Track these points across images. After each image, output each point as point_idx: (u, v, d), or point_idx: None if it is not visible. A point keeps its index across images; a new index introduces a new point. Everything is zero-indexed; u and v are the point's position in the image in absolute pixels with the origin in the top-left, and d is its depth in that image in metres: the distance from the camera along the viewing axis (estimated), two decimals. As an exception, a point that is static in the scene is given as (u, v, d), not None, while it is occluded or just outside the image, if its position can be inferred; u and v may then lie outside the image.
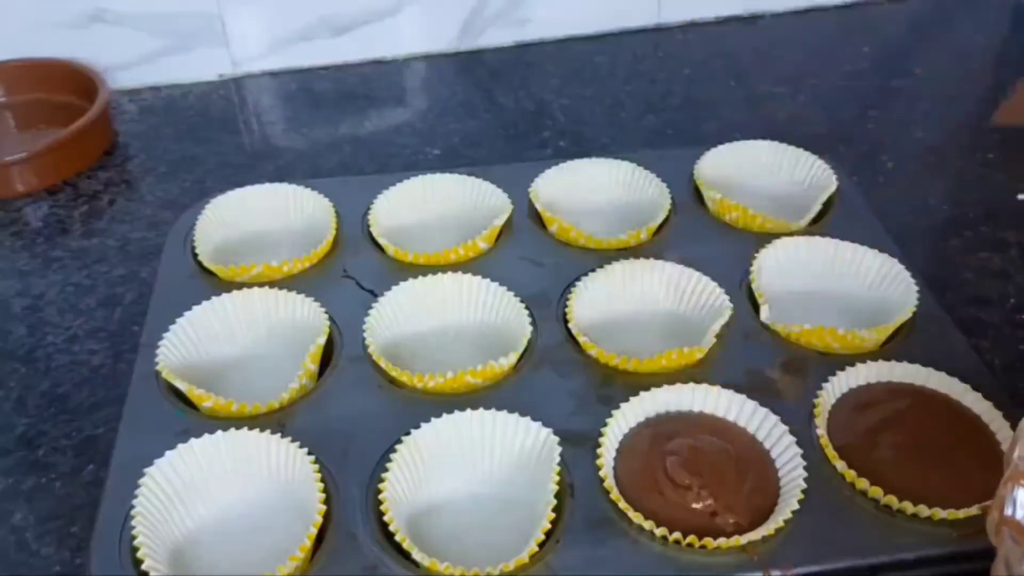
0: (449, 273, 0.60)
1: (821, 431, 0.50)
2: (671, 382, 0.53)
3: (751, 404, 0.52)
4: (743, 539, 0.46)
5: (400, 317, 0.58)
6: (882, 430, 0.51)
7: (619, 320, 0.60)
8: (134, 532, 0.45)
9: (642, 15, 0.98)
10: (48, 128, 0.83)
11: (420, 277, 0.59)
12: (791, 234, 0.64)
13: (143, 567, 0.44)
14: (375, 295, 0.59)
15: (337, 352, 0.57)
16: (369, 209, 0.66)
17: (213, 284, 0.61)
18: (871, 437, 0.51)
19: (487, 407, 0.51)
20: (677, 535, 0.46)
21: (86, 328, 0.64)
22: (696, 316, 0.59)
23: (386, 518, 0.46)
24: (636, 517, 0.46)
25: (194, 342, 0.57)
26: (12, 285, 0.68)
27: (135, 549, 0.45)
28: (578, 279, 0.60)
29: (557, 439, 0.50)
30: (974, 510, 0.46)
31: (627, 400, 0.52)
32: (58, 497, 0.54)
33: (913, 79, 0.91)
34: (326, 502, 0.47)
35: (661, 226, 0.65)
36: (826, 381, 0.53)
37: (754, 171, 0.71)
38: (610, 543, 0.46)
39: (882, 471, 0.48)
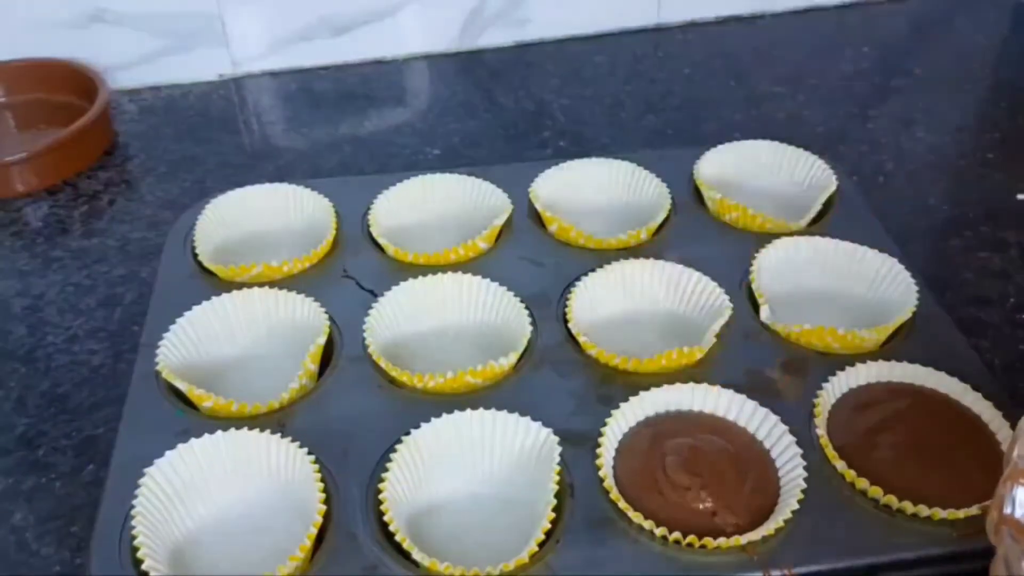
0: (449, 273, 0.60)
1: (821, 431, 0.51)
2: (671, 382, 0.53)
3: (751, 404, 0.52)
4: (743, 539, 0.46)
5: (400, 317, 0.58)
6: (882, 430, 0.51)
7: (619, 320, 0.60)
8: (134, 532, 0.45)
9: (642, 15, 0.98)
10: (48, 128, 0.83)
11: (420, 277, 0.59)
12: (791, 234, 0.64)
13: (143, 567, 0.44)
14: (375, 295, 0.59)
15: (337, 352, 0.57)
16: (369, 209, 0.66)
17: (213, 284, 0.61)
18: (871, 437, 0.51)
19: (487, 407, 0.51)
20: (677, 535, 0.46)
21: (86, 328, 0.64)
22: (696, 316, 0.59)
23: (386, 518, 0.46)
24: (636, 517, 0.46)
25: (194, 342, 0.57)
26: (12, 285, 0.68)
27: (135, 549, 0.45)
28: (578, 279, 0.60)
29: (557, 439, 0.50)
30: (974, 510, 0.46)
31: (627, 400, 0.52)
32: (58, 497, 0.54)
33: (913, 79, 0.91)
34: (326, 502, 0.47)
35: (661, 226, 0.65)
36: (826, 381, 0.53)
37: (754, 171, 0.71)
38: (610, 543, 0.46)
39: (882, 471, 0.48)
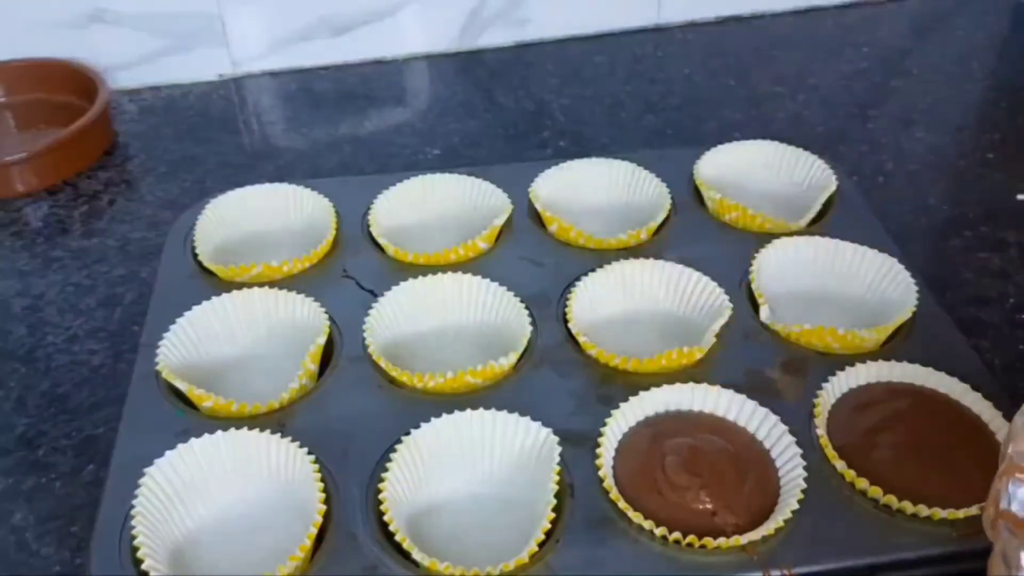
0: (449, 273, 0.60)
1: (821, 431, 0.51)
2: (671, 382, 0.53)
3: (751, 404, 0.52)
4: (743, 539, 0.46)
5: (400, 317, 0.58)
6: (882, 430, 0.51)
7: (619, 320, 0.60)
8: (134, 532, 0.45)
9: (642, 15, 0.98)
10: (48, 128, 0.83)
11: (420, 277, 0.59)
12: (791, 234, 0.64)
13: (143, 567, 0.44)
14: (375, 295, 0.59)
15: (337, 352, 0.57)
16: (369, 209, 0.66)
17: (213, 284, 0.61)
18: (871, 437, 0.51)
19: (487, 407, 0.51)
20: (677, 535, 0.46)
21: (86, 328, 0.64)
22: (696, 316, 0.59)
23: (386, 518, 0.46)
24: (636, 517, 0.46)
25: (194, 342, 0.57)
26: (12, 285, 0.68)
27: (135, 549, 0.45)
28: (578, 279, 0.60)
29: (557, 439, 0.50)
30: (974, 510, 0.46)
31: (627, 400, 0.52)
32: (58, 497, 0.54)
33: (913, 79, 0.91)
34: (326, 502, 0.47)
35: (661, 226, 0.65)
36: (826, 381, 0.53)
37: (754, 171, 0.71)
38: (610, 543, 0.46)
39: (882, 471, 0.48)
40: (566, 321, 0.57)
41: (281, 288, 0.59)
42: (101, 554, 0.46)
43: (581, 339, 0.56)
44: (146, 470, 0.48)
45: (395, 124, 0.86)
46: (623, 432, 0.51)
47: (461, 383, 0.54)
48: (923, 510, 0.47)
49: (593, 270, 0.60)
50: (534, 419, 0.51)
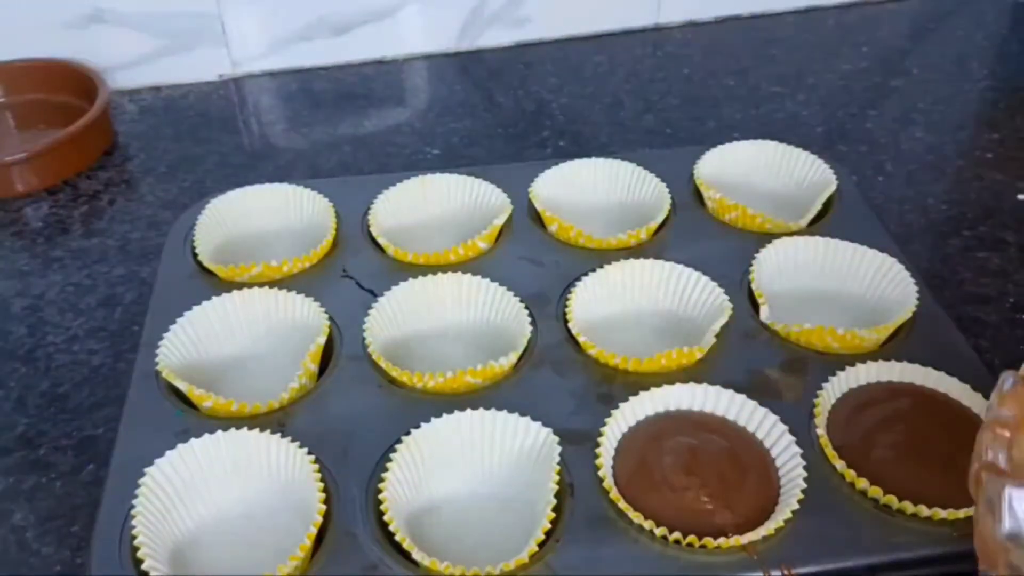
0: (449, 273, 0.60)
1: (821, 431, 0.51)
2: (671, 382, 0.53)
3: (751, 404, 0.52)
4: (743, 539, 0.46)
5: (400, 317, 0.58)
6: (882, 430, 0.51)
7: (619, 320, 0.60)
8: (134, 532, 0.45)
9: (642, 15, 0.98)
10: (48, 128, 0.83)
11: (420, 277, 0.59)
12: (791, 234, 0.64)
13: (143, 567, 0.44)
14: (375, 295, 0.59)
15: (337, 352, 0.57)
16: (369, 209, 0.66)
17: (213, 284, 0.61)
18: (871, 437, 0.51)
19: (487, 407, 0.51)
20: (677, 535, 0.46)
21: (86, 328, 0.64)
22: (696, 316, 0.59)
23: (386, 518, 0.46)
24: (636, 517, 0.46)
25: (194, 342, 0.57)
26: (12, 285, 0.68)
27: (135, 549, 0.45)
28: (578, 279, 0.60)
29: (557, 439, 0.50)
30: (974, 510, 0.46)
31: (627, 400, 0.52)
32: (58, 497, 0.54)
33: (912, 79, 0.91)
34: (326, 502, 0.47)
35: (661, 226, 0.65)
36: (826, 381, 0.53)
37: (754, 171, 0.71)
38: (610, 543, 0.46)
39: (882, 471, 0.48)
40: (566, 321, 0.57)
41: (281, 288, 0.59)
42: (101, 554, 0.46)
43: (581, 339, 0.56)
44: (146, 470, 0.48)
45: (395, 124, 0.86)
46: (623, 432, 0.51)
47: (461, 383, 0.54)
48: (923, 510, 0.47)
49: (593, 270, 0.60)
50: (534, 419, 0.51)
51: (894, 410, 0.52)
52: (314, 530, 0.46)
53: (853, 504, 0.48)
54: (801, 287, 0.61)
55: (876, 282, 0.61)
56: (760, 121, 0.85)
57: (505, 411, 0.51)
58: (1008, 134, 0.83)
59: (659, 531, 0.46)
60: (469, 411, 0.51)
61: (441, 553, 0.45)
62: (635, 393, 0.52)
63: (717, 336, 0.56)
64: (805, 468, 0.49)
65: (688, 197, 0.68)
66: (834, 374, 0.53)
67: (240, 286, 0.60)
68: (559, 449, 0.49)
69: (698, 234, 0.65)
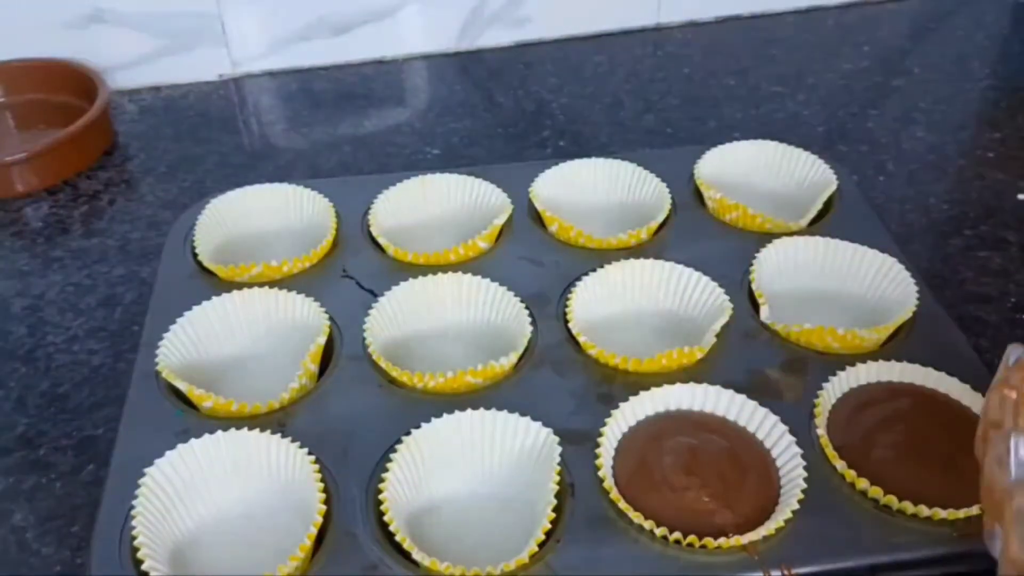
0: (449, 273, 0.60)
1: (821, 431, 0.51)
2: (671, 382, 0.53)
3: (751, 404, 0.52)
4: (743, 539, 0.46)
5: (400, 317, 0.58)
6: (882, 430, 0.51)
7: (619, 320, 0.60)
8: (134, 532, 0.45)
9: (642, 15, 0.98)
10: (48, 128, 0.83)
11: (420, 277, 0.59)
12: (791, 234, 0.64)
13: (143, 567, 0.44)
14: (375, 295, 0.59)
15: (337, 352, 0.57)
16: (369, 209, 0.66)
17: (213, 284, 0.61)
18: (871, 437, 0.51)
19: (487, 407, 0.51)
20: (677, 535, 0.46)
21: (86, 328, 0.64)
22: (696, 316, 0.59)
23: (386, 518, 0.46)
24: (636, 517, 0.46)
25: (194, 342, 0.57)
26: (12, 285, 0.68)
27: (135, 549, 0.45)
28: (578, 279, 0.60)
29: (557, 439, 0.50)
30: (974, 510, 0.46)
31: (627, 399, 0.52)
32: (58, 497, 0.54)
33: (913, 78, 0.91)
34: (326, 502, 0.47)
35: (661, 226, 0.65)
36: (826, 381, 0.53)
37: (754, 171, 0.71)
38: (610, 543, 0.46)
39: (882, 471, 0.48)
40: (566, 321, 0.57)
41: (281, 288, 0.59)
42: (101, 554, 0.46)
43: (581, 339, 0.56)
44: (146, 470, 0.48)
45: (395, 124, 0.86)
46: (623, 432, 0.51)
47: (461, 383, 0.54)
48: (923, 510, 0.47)
49: (593, 270, 0.60)
50: (534, 419, 0.51)
51: (894, 410, 0.52)
52: (314, 530, 0.46)
53: (853, 504, 0.48)
54: (801, 287, 0.61)
55: (876, 282, 0.61)
56: (760, 121, 0.85)
57: (505, 411, 0.51)
58: (1009, 133, 0.83)
59: (659, 531, 0.46)
60: (469, 411, 0.51)
61: (441, 553, 0.45)
62: (635, 393, 0.52)
63: (717, 336, 0.56)
64: (805, 468, 0.48)
65: (688, 197, 0.68)
66: (834, 374, 0.53)
67: (240, 286, 0.60)
68: (559, 449, 0.49)
69: (698, 234, 0.65)
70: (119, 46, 0.88)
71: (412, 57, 0.95)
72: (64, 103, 0.84)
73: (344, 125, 0.86)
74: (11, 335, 0.64)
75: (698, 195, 0.68)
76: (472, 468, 0.51)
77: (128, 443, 0.51)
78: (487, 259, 0.63)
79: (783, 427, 0.51)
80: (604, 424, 0.51)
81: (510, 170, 0.70)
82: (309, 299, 0.58)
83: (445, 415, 0.51)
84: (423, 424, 0.50)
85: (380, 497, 0.47)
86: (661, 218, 0.65)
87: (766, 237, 0.63)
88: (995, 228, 0.72)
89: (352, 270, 0.62)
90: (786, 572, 0.45)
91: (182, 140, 0.84)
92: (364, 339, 0.56)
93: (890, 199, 0.74)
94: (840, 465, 0.49)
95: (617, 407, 0.52)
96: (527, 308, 0.58)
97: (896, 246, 0.63)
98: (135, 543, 0.45)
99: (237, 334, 0.58)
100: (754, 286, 0.59)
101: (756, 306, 0.59)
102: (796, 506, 0.47)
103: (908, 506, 0.47)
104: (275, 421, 0.52)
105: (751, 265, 0.60)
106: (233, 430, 0.50)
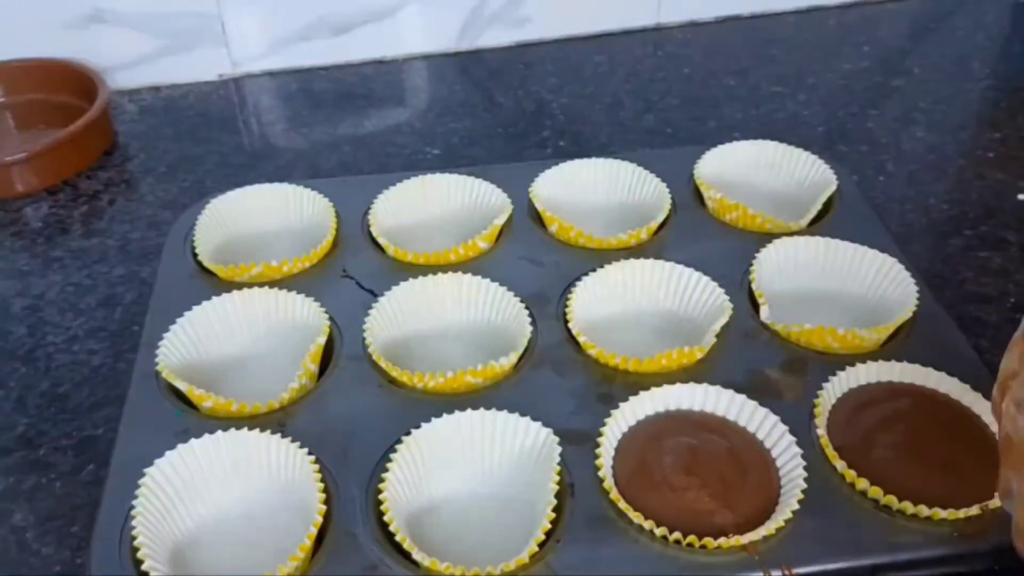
0: (449, 273, 0.60)
1: (821, 431, 0.51)
2: (671, 382, 0.53)
3: (751, 404, 0.52)
4: (743, 539, 0.46)
5: (400, 317, 0.58)
6: (882, 430, 0.51)
7: (619, 320, 0.60)
8: (134, 532, 0.45)
9: (642, 15, 0.98)
10: (48, 128, 0.83)
11: (420, 277, 0.59)
12: (791, 234, 0.64)
13: (143, 567, 0.44)
14: (375, 295, 0.59)
15: (337, 352, 0.57)
16: (369, 209, 0.66)
17: (213, 284, 0.61)
18: (871, 437, 0.51)
19: (487, 407, 0.51)
20: (677, 535, 0.46)
21: (86, 328, 0.64)
22: (696, 316, 0.59)
23: (386, 518, 0.46)
24: (636, 517, 0.46)
25: (194, 342, 0.57)
26: (12, 285, 0.68)
27: (135, 549, 0.45)
28: (578, 279, 0.60)
29: (557, 439, 0.50)
30: (974, 510, 0.46)
31: (627, 400, 0.52)
32: (58, 497, 0.54)
33: (913, 78, 0.91)
34: (326, 502, 0.47)
35: (661, 226, 0.65)
36: (826, 381, 0.53)
37: (754, 171, 0.71)
38: (610, 543, 0.46)
39: (882, 471, 0.48)
40: (566, 321, 0.57)
41: (281, 288, 0.59)
42: (101, 554, 0.46)
43: (581, 339, 0.56)
44: (146, 470, 0.48)
45: (395, 124, 0.86)
46: (623, 432, 0.51)
47: (461, 383, 0.54)
48: (923, 510, 0.47)
49: (593, 270, 0.60)
50: (534, 419, 0.51)
51: (894, 410, 0.52)
52: (314, 530, 0.46)
53: (853, 504, 0.48)
54: (801, 287, 0.61)
55: (876, 282, 0.61)
56: (760, 121, 0.85)
57: (505, 411, 0.51)
58: (1009, 133, 0.83)
59: (659, 531, 0.46)
60: (469, 411, 0.51)
61: (441, 553, 0.45)
62: (635, 393, 0.52)
63: (717, 336, 0.56)
64: (805, 468, 0.48)
65: (688, 197, 0.68)
66: (834, 374, 0.53)
67: (240, 286, 0.60)
68: (559, 449, 0.49)
69: (698, 234, 0.65)
70: (119, 46, 0.88)
71: (412, 57, 0.95)
72: (64, 103, 0.84)
73: (344, 125, 0.86)
74: (11, 335, 0.64)
75: (698, 195, 0.68)
76: (472, 468, 0.51)
77: (128, 443, 0.51)
78: (487, 259, 0.63)
79: (783, 427, 0.51)
80: (604, 424, 0.51)
81: (510, 170, 0.70)
82: (309, 299, 0.58)
83: (445, 415, 0.51)
84: (423, 424, 0.50)
85: (380, 497, 0.47)
86: (661, 218, 0.65)
87: (766, 237, 0.63)
88: (995, 228, 0.72)
89: (352, 270, 0.62)
90: (786, 572, 0.45)
91: (182, 140, 0.84)
92: (364, 339, 0.56)
93: (890, 199, 0.74)
94: (840, 465, 0.49)
95: (617, 407, 0.52)
96: (527, 308, 0.58)
97: (896, 246, 0.63)
98: (135, 543, 0.45)
99: (237, 334, 0.58)
100: (754, 286, 0.59)
101: (756, 306, 0.59)
102: (796, 506, 0.47)
103: (908, 506, 0.47)
104: (275, 421, 0.52)
105: (751, 265, 0.60)
106: (233, 430, 0.50)
